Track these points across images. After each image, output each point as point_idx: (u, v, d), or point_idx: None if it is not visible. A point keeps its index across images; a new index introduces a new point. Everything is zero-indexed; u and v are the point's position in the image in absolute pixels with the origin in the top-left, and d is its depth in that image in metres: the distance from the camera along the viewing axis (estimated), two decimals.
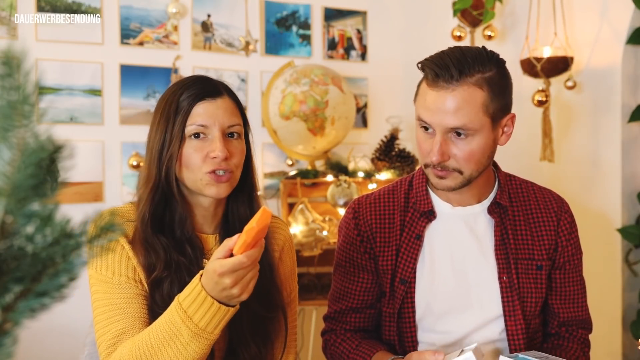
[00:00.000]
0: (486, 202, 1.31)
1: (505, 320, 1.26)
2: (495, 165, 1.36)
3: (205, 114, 1.14)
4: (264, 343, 1.19)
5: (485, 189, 1.31)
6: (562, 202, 1.36)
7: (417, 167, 1.39)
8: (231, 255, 0.97)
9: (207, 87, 1.18)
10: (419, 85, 1.24)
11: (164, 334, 1.00)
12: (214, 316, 0.99)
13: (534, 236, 1.31)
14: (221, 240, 1.21)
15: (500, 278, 1.27)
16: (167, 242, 1.14)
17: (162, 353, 1.00)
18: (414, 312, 1.29)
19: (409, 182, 1.37)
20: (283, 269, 1.29)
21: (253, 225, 0.95)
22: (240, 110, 1.22)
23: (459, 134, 1.17)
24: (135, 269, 1.13)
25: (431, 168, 1.22)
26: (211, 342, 1.01)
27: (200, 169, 1.13)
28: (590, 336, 1.41)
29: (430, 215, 1.31)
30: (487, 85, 1.18)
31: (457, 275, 1.28)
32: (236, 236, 0.97)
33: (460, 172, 1.20)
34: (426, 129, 1.21)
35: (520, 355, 1.16)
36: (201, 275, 1.00)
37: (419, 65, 1.22)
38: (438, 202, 1.32)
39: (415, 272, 1.29)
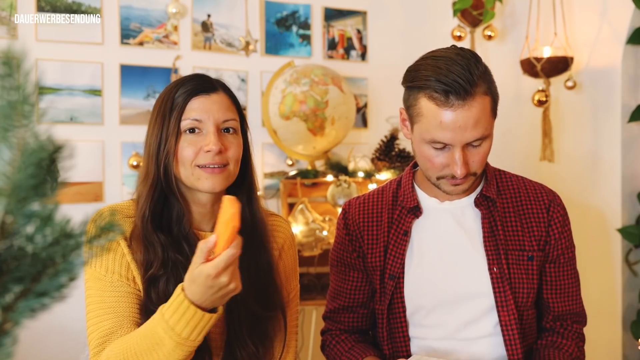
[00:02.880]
0: (473, 195, 1.32)
1: (498, 312, 1.27)
2: None
3: (199, 109, 1.14)
4: (262, 342, 1.19)
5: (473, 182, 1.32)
6: (553, 195, 1.36)
7: (407, 167, 1.40)
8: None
9: (202, 83, 1.18)
10: (412, 105, 1.20)
11: (147, 343, 1.00)
12: (198, 324, 0.98)
13: (524, 227, 1.31)
14: None
15: (490, 269, 1.27)
16: (165, 239, 1.14)
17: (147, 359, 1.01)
18: (404, 307, 1.30)
19: (397, 182, 1.39)
20: (283, 267, 1.29)
21: (227, 219, 0.95)
22: (237, 107, 1.22)
23: (475, 144, 1.18)
24: (129, 266, 1.13)
25: (447, 179, 1.21)
26: (194, 347, 1.02)
27: (192, 163, 1.13)
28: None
29: (416, 211, 1.32)
30: (488, 87, 1.17)
31: (447, 269, 1.29)
32: (212, 237, 0.96)
33: (474, 174, 1.22)
34: (439, 147, 1.18)
35: None
36: (182, 287, 1.00)
37: (416, 84, 1.18)
38: (424, 198, 1.34)
39: (403, 267, 1.30)
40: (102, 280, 1.13)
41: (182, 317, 0.98)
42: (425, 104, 1.16)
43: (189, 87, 1.17)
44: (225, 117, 1.16)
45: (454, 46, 1.22)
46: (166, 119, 1.15)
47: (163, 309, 1.00)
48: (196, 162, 1.13)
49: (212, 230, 1.23)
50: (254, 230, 1.21)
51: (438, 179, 1.22)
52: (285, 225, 1.35)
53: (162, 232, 1.15)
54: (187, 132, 1.14)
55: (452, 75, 1.12)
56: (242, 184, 1.23)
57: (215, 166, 1.13)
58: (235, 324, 1.16)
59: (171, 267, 1.13)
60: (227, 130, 1.17)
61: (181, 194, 1.18)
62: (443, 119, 1.14)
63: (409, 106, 1.21)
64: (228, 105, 1.18)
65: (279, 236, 1.31)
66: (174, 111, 1.15)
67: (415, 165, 1.37)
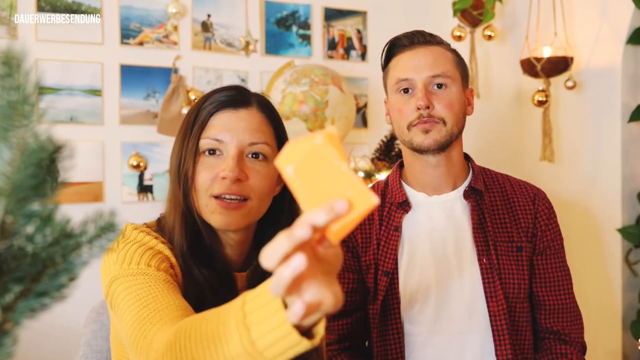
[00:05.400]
0: (461, 188, 1.36)
1: (487, 302, 1.28)
2: (467, 157, 1.43)
3: (222, 126, 0.96)
4: None
5: (460, 176, 1.37)
6: (538, 190, 1.40)
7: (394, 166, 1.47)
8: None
9: (233, 96, 0.99)
10: (386, 77, 1.36)
11: (212, 328, 0.68)
12: (281, 341, 0.62)
13: (512, 219, 1.34)
14: (250, 279, 1.01)
15: (479, 260, 1.29)
16: (208, 274, 0.96)
17: (198, 352, 0.68)
18: (398, 302, 1.32)
19: (385, 182, 1.44)
20: None
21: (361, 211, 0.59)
22: (275, 127, 1.02)
23: (439, 85, 1.29)
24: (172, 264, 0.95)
25: (416, 124, 1.28)
26: None
27: (207, 192, 0.95)
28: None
29: (405, 205, 1.35)
30: (451, 51, 1.34)
31: (438, 262, 1.31)
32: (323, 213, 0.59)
33: (444, 123, 1.28)
34: (405, 91, 1.30)
35: None
36: None
37: (387, 46, 1.34)
38: (413, 193, 1.37)
39: (396, 263, 1.32)
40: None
41: (265, 320, 0.62)
42: (393, 60, 1.34)
43: (217, 99, 0.98)
44: (253, 139, 0.96)
45: None
46: (187, 135, 0.97)
47: (248, 296, 0.65)
48: (211, 191, 0.94)
49: (241, 269, 1.03)
50: None
51: (409, 129, 1.29)
52: None
53: (204, 266, 0.96)
54: (207, 153, 0.97)
55: (415, 31, 1.34)
56: (278, 222, 1.03)
57: (232, 198, 0.94)
58: None
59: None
60: (255, 155, 0.97)
61: (207, 224, 0.98)
62: (405, 58, 1.32)
63: (385, 82, 1.38)
64: (259, 125, 0.97)
65: None
66: (195, 126, 0.97)
67: (402, 165, 1.43)
